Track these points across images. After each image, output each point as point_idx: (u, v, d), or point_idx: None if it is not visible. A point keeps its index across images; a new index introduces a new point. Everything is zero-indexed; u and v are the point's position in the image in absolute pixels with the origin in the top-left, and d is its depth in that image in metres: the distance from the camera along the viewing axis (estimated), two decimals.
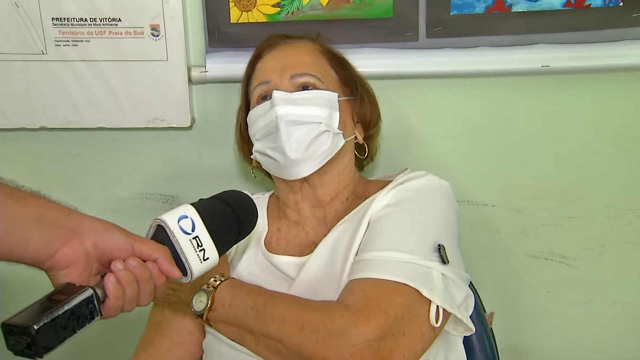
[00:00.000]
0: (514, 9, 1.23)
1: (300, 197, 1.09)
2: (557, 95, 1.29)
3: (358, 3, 1.25)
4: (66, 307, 0.63)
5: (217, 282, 0.94)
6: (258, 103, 1.08)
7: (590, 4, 1.21)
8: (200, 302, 0.93)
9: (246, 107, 1.14)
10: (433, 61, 1.26)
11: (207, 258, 0.77)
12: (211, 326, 0.95)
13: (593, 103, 1.29)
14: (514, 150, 1.33)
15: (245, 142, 1.15)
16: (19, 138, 1.40)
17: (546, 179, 1.34)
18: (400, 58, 1.26)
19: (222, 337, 0.96)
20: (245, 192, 1.17)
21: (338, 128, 1.04)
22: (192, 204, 0.79)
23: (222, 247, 0.80)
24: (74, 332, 0.65)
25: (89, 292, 0.66)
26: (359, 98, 1.12)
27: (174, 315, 1.04)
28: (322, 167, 1.04)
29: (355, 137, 1.12)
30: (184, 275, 0.76)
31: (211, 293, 0.93)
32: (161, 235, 0.76)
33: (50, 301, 0.64)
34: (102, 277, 0.70)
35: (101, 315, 0.68)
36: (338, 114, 1.05)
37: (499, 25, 1.24)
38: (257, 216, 0.89)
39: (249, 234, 0.87)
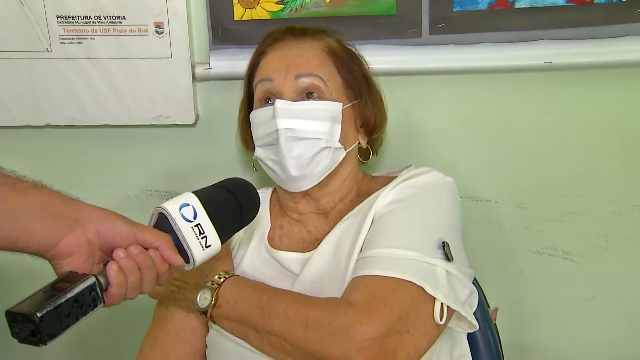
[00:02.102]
0: (517, 5, 1.23)
1: (302, 206, 1.09)
2: (561, 91, 1.29)
3: (361, 0, 1.25)
4: (69, 295, 0.64)
5: (222, 279, 0.95)
6: (261, 104, 1.07)
7: None
8: (204, 299, 0.94)
9: (248, 101, 1.13)
10: (436, 58, 1.27)
11: (210, 245, 0.78)
12: (215, 323, 0.95)
13: (596, 99, 1.29)
14: (517, 146, 1.33)
15: (247, 134, 1.14)
16: (24, 135, 1.41)
17: (550, 175, 1.34)
18: (403, 55, 1.26)
19: (226, 333, 0.97)
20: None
21: (339, 141, 1.03)
22: (193, 192, 0.79)
23: (225, 234, 0.81)
24: (78, 319, 0.65)
25: (91, 280, 0.67)
26: (363, 102, 1.10)
27: (179, 311, 1.04)
28: (324, 179, 1.04)
29: (359, 142, 1.11)
30: (186, 263, 0.77)
31: (215, 290, 0.93)
32: (163, 223, 0.76)
33: (54, 289, 0.65)
34: (105, 265, 0.70)
35: (104, 302, 0.69)
36: (340, 126, 1.04)
37: (502, 21, 1.24)
38: (259, 203, 0.89)
39: (251, 220, 0.87)
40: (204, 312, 0.94)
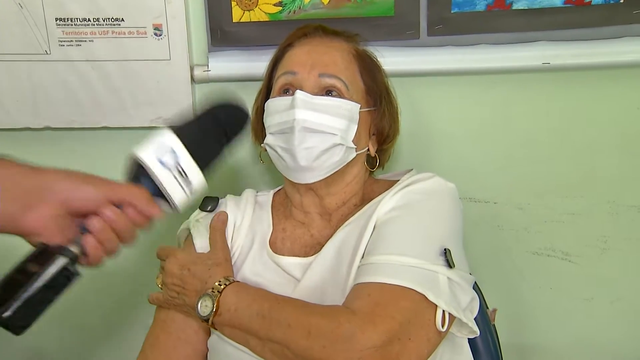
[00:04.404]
0: (515, 7, 1.23)
1: (307, 200, 1.09)
2: (558, 93, 1.29)
3: (359, 1, 1.25)
4: (39, 284, 0.61)
5: (222, 286, 0.94)
6: (279, 94, 1.06)
7: (591, 1, 1.21)
8: (205, 307, 0.93)
9: (267, 90, 1.13)
10: (434, 59, 1.27)
11: (192, 186, 0.74)
12: (217, 330, 0.95)
13: (594, 100, 1.29)
14: (515, 147, 1.33)
15: (259, 124, 1.13)
16: (23, 138, 1.41)
17: (548, 176, 1.34)
18: (401, 56, 1.26)
19: (227, 338, 0.97)
20: (249, 190, 1.17)
21: (353, 141, 1.04)
22: (172, 128, 0.75)
23: (209, 168, 0.77)
24: (52, 301, 0.63)
25: (62, 261, 0.64)
26: (380, 111, 1.10)
27: (180, 314, 1.04)
28: (330, 177, 1.04)
29: (368, 149, 1.11)
30: (170, 208, 0.74)
31: (216, 298, 0.92)
32: (140, 171, 0.73)
33: (23, 274, 0.62)
34: (82, 230, 0.68)
35: (79, 274, 0.67)
36: (356, 127, 1.04)
37: (500, 22, 1.24)
38: (248, 116, 0.85)
39: (239, 133, 0.84)
40: (205, 320, 0.93)
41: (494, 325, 1.18)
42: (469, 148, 1.34)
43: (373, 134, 1.12)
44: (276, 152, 1.05)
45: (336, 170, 1.04)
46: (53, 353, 1.52)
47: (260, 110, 1.13)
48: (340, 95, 1.04)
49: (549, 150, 1.33)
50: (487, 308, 1.19)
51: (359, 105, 1.05)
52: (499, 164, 1.35)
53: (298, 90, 1.02)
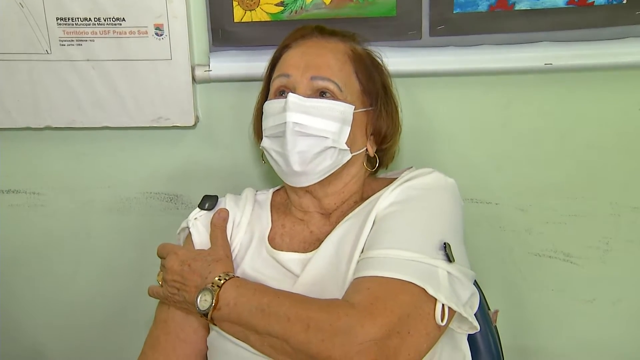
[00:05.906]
0: (517, 7, 1.23)
1: (305, 201, 1.10)
2: (561, 93, 1.29)
3: (361, 2, 1.25)
4: None
5: (222, 281, 0.94)
6: (275, 96, 1.07)
7: (594, 1, 1.21)
8: (205, 302, 0.93)
9: (266, 91, 1.13)
10: (436, 60, 1.27)
11: None
12: (216, 325, 0.95)
13: (596, 101, 1.29)
14: (517, 148, 1.33)
15: (259, 125, 1.13)
16: (24, 137, 1.41)
17: (550, 177, 1.34)
18: (403, 57, 1.26)
19: (226, 334, 0.96)
20: (249, 189, 1.18)
21: (346, 143, 1.03)
22: None
23: None
24: None
25: None
26: (377, 110, 1.09)
27: (180, 312, 1.04)
28: (326, 179, 1.05)
29: (367, 149, 1.10)
30: None
31: (216, 292, 0.93)
32: None
33: None
34: None
35: None
36: (349, 128, 1.04)
37: (502, 23, 1.24)
38: None
39: None
40: (204, 315, 0.93)
41: (496, 326, 1.18)
42: (471, 149, 1.34)
43: (371, 134, 1.11)
44: (271, 156, 1.06)
45: (331, 172, 1.04)
46: (53, 353, 1.51)
47: (260, 112, 1.13)
48: (333, 97, 1.04)
49: (551, 151, 1.32)
50: (489, 309, 1.19)
51: (353, 107, 1.04)
52: (500, 164, 1.34)
53: (290, 93, 1.02)
